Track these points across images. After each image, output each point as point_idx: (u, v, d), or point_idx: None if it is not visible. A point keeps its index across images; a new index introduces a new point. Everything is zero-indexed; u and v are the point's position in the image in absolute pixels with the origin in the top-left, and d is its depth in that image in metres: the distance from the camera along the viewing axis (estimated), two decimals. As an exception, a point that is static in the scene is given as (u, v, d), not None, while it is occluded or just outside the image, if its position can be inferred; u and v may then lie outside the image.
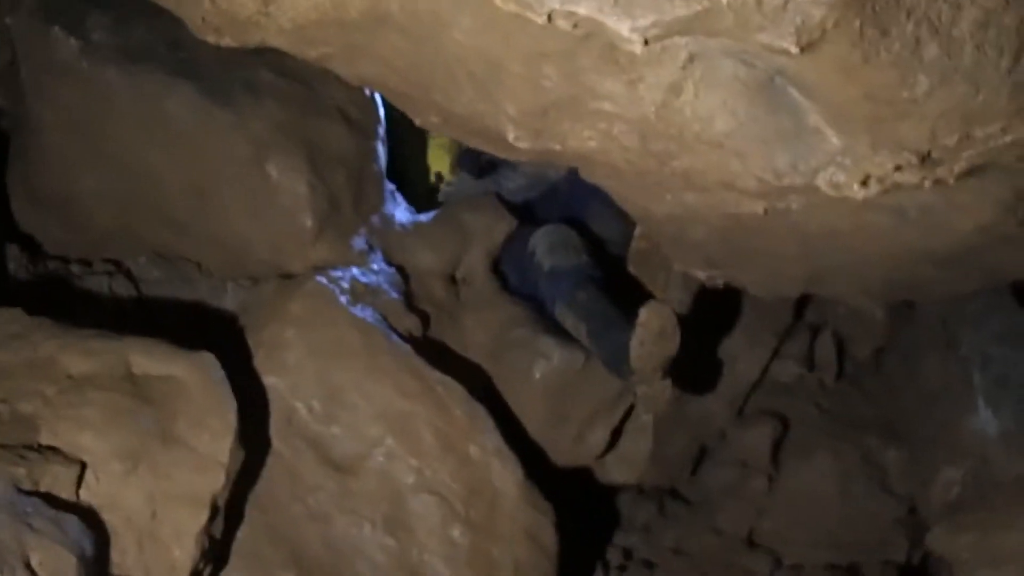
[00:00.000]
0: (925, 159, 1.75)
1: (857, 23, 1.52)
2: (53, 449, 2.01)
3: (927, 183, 1.80)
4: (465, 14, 1.76)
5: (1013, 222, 2.11)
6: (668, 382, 2.56)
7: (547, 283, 2.99)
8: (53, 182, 2.99)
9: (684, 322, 2.54)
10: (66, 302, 2.79)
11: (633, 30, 1.58)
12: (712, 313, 3.32)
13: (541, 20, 1.62)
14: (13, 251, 2.98)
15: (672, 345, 2.47)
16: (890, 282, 2.65)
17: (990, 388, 2.92)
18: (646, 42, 1.60)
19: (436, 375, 2.68)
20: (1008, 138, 1.70)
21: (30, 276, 2.93)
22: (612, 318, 2.70)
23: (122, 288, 2.92)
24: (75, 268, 2.98)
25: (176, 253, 3.00)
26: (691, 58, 1.71)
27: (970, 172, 1.81)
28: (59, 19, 2.77)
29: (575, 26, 1.62)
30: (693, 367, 2.93)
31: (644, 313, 2.44)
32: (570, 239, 3.07)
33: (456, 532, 2.57)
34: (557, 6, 1.59)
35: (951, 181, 1.80)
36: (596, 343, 2.76)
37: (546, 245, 3.05)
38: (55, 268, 2.98)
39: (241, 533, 2.48)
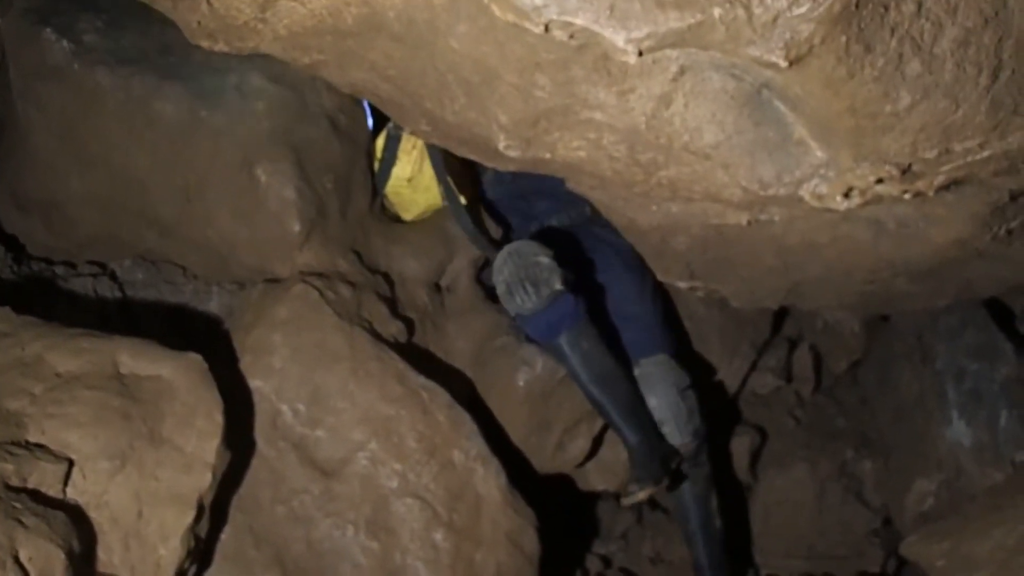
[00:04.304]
0: (906, 172, 1.80)
1: (843, 39, 1.57)
2: (41, 446, 2.01)
3: (907, 195, 1.85)
4: (461, 22, 1.79)
5: (988, 236, 2.17)
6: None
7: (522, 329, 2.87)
8: (39, 184, 2.99)
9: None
10: (50, 303, 2.79)
11: (628, 41, 1.62)
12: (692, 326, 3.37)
13: (538, 30, 1.65)
14: (-2, 251, 2.98)
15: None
16: (867, 295, 2.70)
17: (964, 401, 2.97)
18: (640, 53, 1.64)
19: (420, 380, 2.70)
20: (986, 153, 1.75)
21: (14, 277, 2.92)
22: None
23: (107, 290, 2.92)
24: (59, 270, 2.97)
25: (161, 256, 3.00)
26: (681, 70, 1.75)
27: (948, 186, 1.86)
28: (51, 21, 2.77)
29: (571, 36, 1.65)
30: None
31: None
32: (521, 269, 2.68)
33: (439, 536, 2.58)
34: (555, 16, 1.62)
35: (931, 194, 1.85)
36: None
37: (502, 288, 2.74)
38: (39, 269, 2.97)
39: (225, 534, 2.49)
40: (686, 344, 3.21)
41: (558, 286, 2.67)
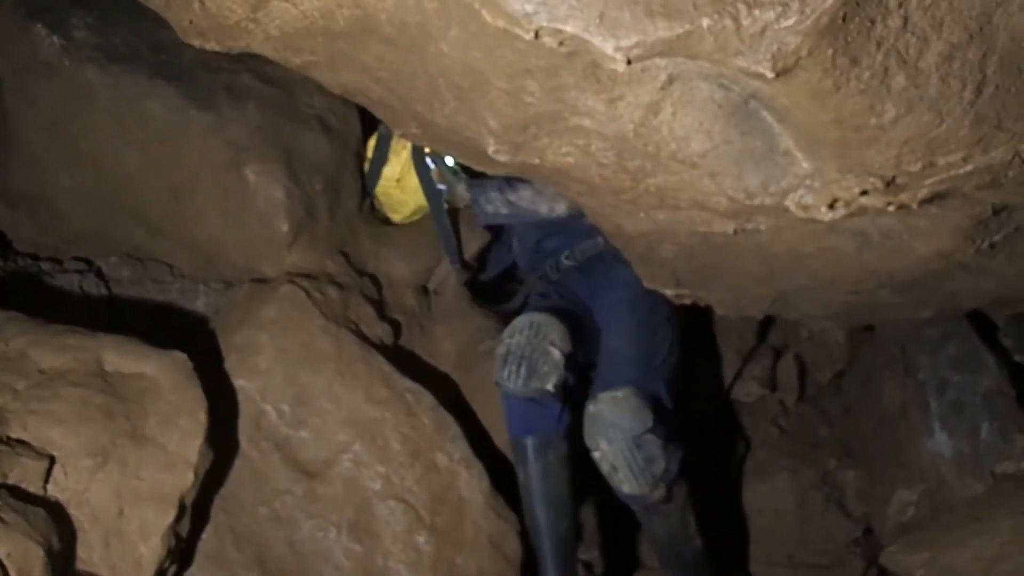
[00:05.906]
0: (890, 184, 1.81)
1: (830, 52, 1.57)
2: (22, 443, 2.01)
3: (891, 208, 1.86)
4: (452, 27, 1.79)
5: (971, 250, 2.18)
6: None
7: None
8: (27, 179, 2.99)
9: None
10: (36, 299, 2.78)
11: (617, 49, 1.62)
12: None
13: (528, 36, 1.65)
14: (-17, 247, 2.97)
15: None
16: (851, 305, 2.71)
17: (946, 412, 2.98)
18: (629, 61, 1.64)
19: (406, 383, 2.71)
20: (969, 167, 1.76)
21: (0, 272, 2.92)
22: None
23: (93, 287, 2.92)
24: (46, 266, 2.97)
25: (149, 254, 3.00)
26: (670, 79, 1.75)
27: (932, 199, 1.87)
28: (42, 17, 2.78)
29: (561, 43, 1.66)
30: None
31: None
32: (529, 347, 2.60)
33: (421, 539, 2.59)
34: (545, 23, 1.63)
35: (914, 206, 1.86)
36: None
37: (502, 349, 2.65)
38: (25, 265, 2.97)
39: (206, 534, 2.49)
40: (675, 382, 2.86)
41: (549, 387, 2.61)
